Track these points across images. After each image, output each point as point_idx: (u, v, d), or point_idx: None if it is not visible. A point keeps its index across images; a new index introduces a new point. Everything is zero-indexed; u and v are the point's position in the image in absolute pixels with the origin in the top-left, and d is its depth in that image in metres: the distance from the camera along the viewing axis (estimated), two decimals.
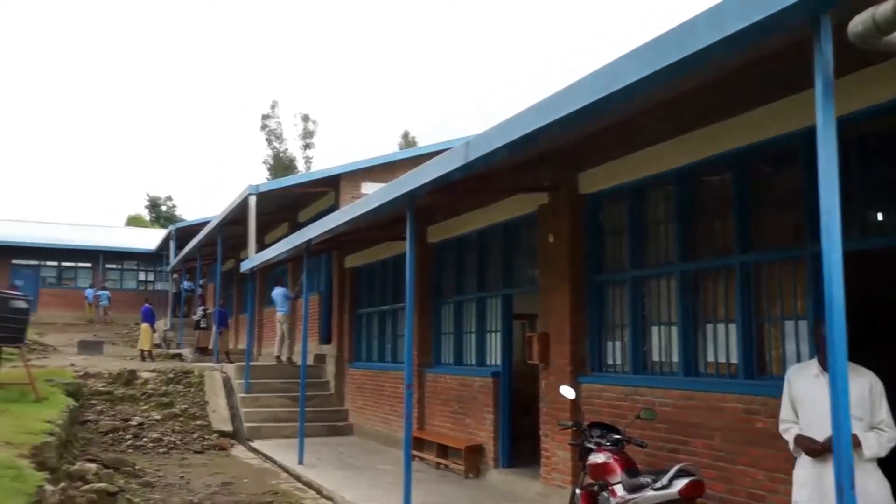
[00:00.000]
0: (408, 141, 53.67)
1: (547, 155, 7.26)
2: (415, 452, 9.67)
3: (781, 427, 4.35)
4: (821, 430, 3.86)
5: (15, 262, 34.70)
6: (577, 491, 5.92)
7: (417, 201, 7.16)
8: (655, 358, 6.87)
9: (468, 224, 10.15)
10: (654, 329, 6.89)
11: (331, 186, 15.65)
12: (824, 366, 3.97)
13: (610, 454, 5.55)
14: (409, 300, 7.27)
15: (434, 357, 11.19)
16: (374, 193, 7.94)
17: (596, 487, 5.65)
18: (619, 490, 5.29)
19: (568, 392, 6.54)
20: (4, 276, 33.22)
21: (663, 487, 4.89)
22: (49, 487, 6.23)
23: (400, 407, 11.04)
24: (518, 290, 9.40)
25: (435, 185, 6.43)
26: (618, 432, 5.76)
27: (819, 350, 4.15)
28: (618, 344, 7.36)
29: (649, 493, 4.99)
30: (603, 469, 5.53)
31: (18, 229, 36.22)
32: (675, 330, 6.55)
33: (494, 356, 9.74)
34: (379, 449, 11.90)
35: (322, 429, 13.34)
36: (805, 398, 4.18)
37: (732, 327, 5.96)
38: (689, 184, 6.53)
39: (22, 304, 10.38)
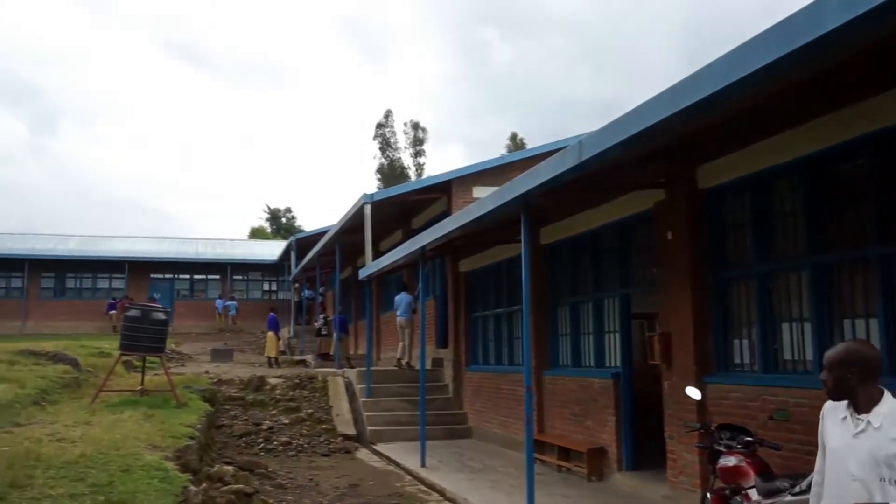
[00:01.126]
0: (516, 143, 53.59)
1: (663, 150, 7.06)
2: (536, 455, 9.63)
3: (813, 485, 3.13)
4: (839, 500, 2.81)
5: (153, 276, 37.11)
6: (708, 495, 5.72)
7: (531, 203, 7.14)
8: (787, 356, 6.54)
9: (582, 224, 10.02)
10: (785, 326, 6.56)
11: (443, 192, 15.85)
12: (858, 405, 2.81)
13: (742, 457, 5.32)
14: (526, 302, 7.25)
15: (551, 359, 11.11)
16: (487, 197, 7.97)
17: (728, 492, 5.43)
18: (754, 495, 5.07)
19: (694, 393, 6.34)
20: (144, 289, 35.59)
21: (802, 492, 4.63)
22: (192, 488, 6.63)
23: (518, 409, 11.02)
24: (636, 289, 9.20)
25: (548, 185, 6.39)
26: (749, 434, 5.52)
27: (848, 383, 2.83)
28: (745, 342, 7.05)
29: (787, 498, 4.75)
30: (735, 473, 5.32)
31: (156, 246, 38.76)
32: (808, 326, 6.22)
33: (613, 357, 9.56)
34: (498, 451, 11.91)
35: (442, 432, 13.49)
36: (828, 448, 2.94)
37: (874, 322, 5.60)
38: (818, 173, 6.19)
39: (161, 316, 11.10)
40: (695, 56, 71.19)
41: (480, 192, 14.56)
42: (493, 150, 62.24)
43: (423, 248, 10.71)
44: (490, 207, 7.66)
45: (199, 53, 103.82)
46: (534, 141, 48.53)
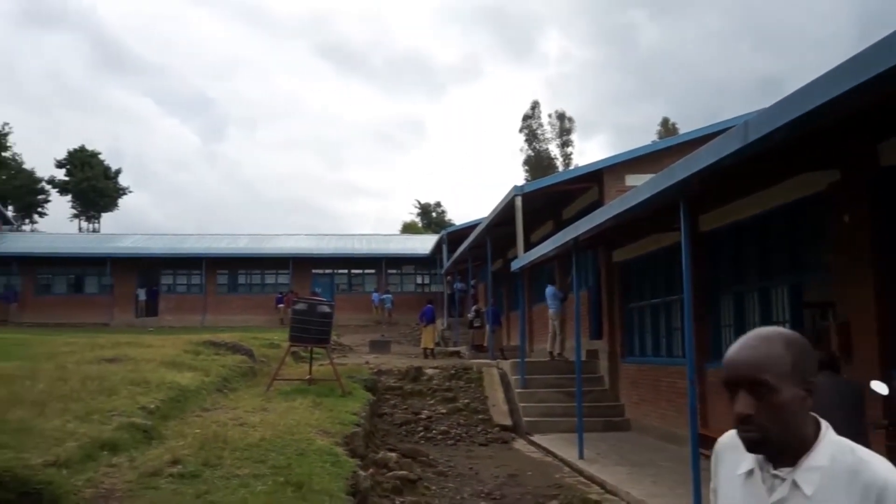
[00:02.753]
0: (668, 129, 51.72)
1: (838, 127, 6.58)
2: (700, 450, 9.28)
3: None
4: None
5: (315, 271, 39.14)
6: None
7: (690, 189, 6.89)
8: None
9: (745, 210, 9.53)
10: None
11: (594, 182, 15.59)
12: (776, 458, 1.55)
13: None
14: (687, 293, 7.01)
15: (713, 351, 10.66)
16: (643, 185, 7.78)
17: None
18: None
19: (880, 388, 5.87)
20: (306, 284, 37.61)
21: None
22: (361, 472, 6.95)
23: (679, 402, 10.68)
24: (807, 277, 8.63)
25: (710, 170, 6.13)
26: None
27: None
28: None
29: None
30: None
31: (316, 242, 40.84)
32: None
33: None
34: (658, 445, 11.60)
35: (598, 424, 13.31)
36: None
37: None
38: None
39: (327, 309, 11.69)
40: (869, 26, 65.54)
41: (633, 180, 14.18)
42: (644, 136, 60.57)
43: (575, 238, 10.60)
44: (646, 195, 7.47)
45: (351, 55, 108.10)
46: (686, 126, 46.69)
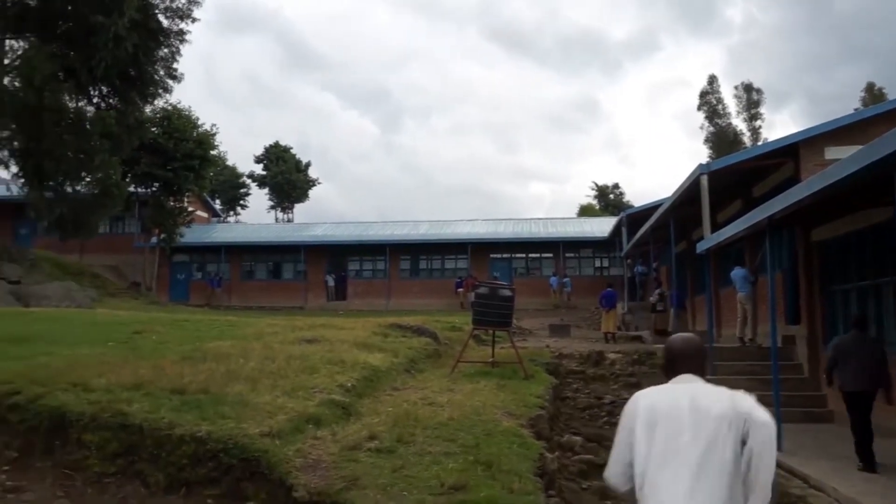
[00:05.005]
0: (874, 95, 47.03)
1: None
2: None
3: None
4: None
5: (492, 255, 39.72)
6: None
7: None
8: None
9: None
10: None
11: (788, 156, 14.52)
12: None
13: None
14: None
15: None
16: (849, 158, 7.14)
17: None
18: None
19: None
20: (484, 268, 38.26)
21: None
22: (548, 454, 7.00)
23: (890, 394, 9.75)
24: None
25: None
26: None
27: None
28: None
29: None
30: None
31: (494, 227, 41.42)
32: None
33: None
34: None
35: (797, 415, 12.45)
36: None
37: None
38: None
39: (508, 293, 11.83)
40: None
41: (834, 153, 13.05)
42: (843, 105, 55.49)
43: (769, 217, 9.95)
44: (853, 169, 6.86)
45: (521, 37, 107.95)
46: None
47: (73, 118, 27.81)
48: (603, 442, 9.79)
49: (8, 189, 31.80)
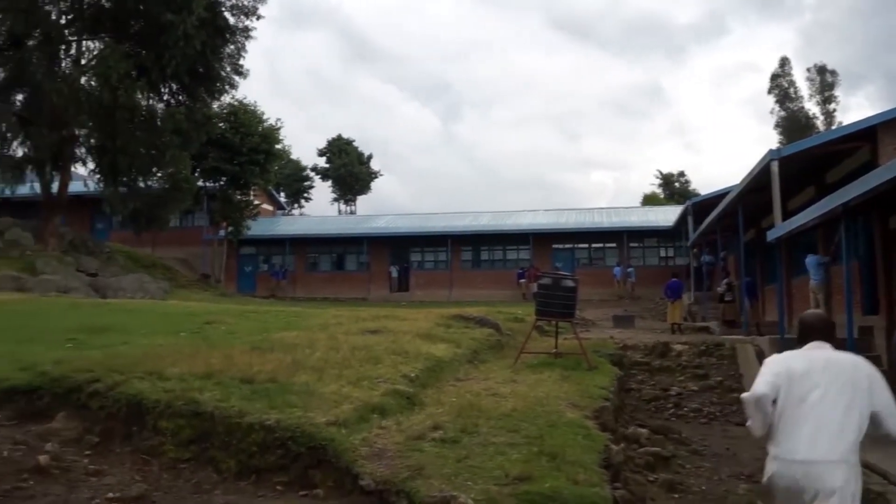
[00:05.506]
0: None
1: None
2: None
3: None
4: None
5: (554, 246, 39.43)
6: None
7: None
8: None
9: None
10: None
11: (865, 140, 13.96)
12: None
13: None
14: None
15: None
16: None
17: None
18: None
19: None
20: (546, 259, 38.02)
21: None
22: (613, 446, 6.92)
23: None
24: None
25: None
26: None
27: None
28: None
29: None
30: None
31: (556, 218, 41.11)
32: None
33: None
34: None
35: None
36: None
37: None
38: None
39: (571, 284, 11.72)
40: None
41: None
42: None
43: (844, 204, 9.62)
44: None
45: (583, 24, 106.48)
46: None
47: (145, 115, 28.74)
48: (669, 434, 9.64)
49: (85, 185, 33.10)
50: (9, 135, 28.20)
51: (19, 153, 28.98)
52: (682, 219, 30.02)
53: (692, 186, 61.52)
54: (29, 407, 6.49)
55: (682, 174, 64.63)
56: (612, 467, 6.29)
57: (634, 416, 11.24)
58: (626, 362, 14.60)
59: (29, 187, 29.61)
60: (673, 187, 63.18)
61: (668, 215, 37.40)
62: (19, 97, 29.16)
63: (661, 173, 65.21)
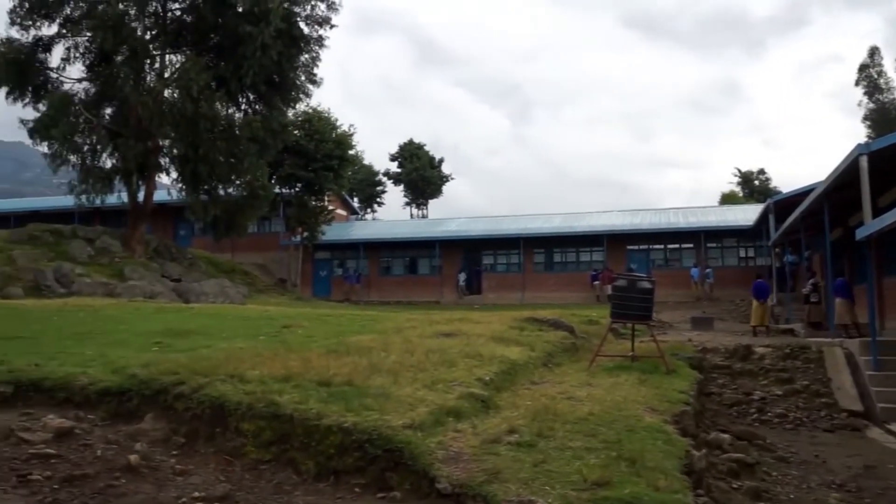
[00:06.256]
0: None
1: None
2: None
3: None
4: None
5: (629, 247, 38.75)
6: None
7: None
8: None
9: None
10: None
11: None
12: None
13: None
14: None
15: None
16: None
17: None
18: None
19: None
20: (621, 260, 37.39)
21: None
22: (695, 452, 6.73)
23: None
24: None
25: None
26: None
27: None
28: None
29: None
30: None
31: (630, 218, 40.39)
32: None
33: None
34: None
35: None
36: None
37: None
38: None
39: (648, 285, 11.48)
40: None
41: None
42: None
43: None
44: None
45: (657, 20, 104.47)
46: None
47: (224, 125, 29.69)
48: (753, 440, 9.33)
49: (169, 193, 34.38)
50: (99, 147, 29.59)
51: (108, 164, 30.37)
52: (763, 218, 29.03)
53: (773, 184, 59.54)
54: (119, 408, 6.76)
55: (761, 172, 62.62)
56: (694, 474, 6.12)
57: (716, 421, 10.92)
58: (706, 366, 14.21)
59: (117, 197, 30.94)
60: (752, 185, 61.24)
61: (747, 214, 36.25)
62: (108, 111, 30.56)
63: (739, 171, 63.38)
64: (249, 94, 30.55)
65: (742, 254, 37.99)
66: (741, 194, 60.45)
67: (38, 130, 28.16)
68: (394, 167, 65.18)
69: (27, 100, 29.32)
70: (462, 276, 40.34)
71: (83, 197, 29.53)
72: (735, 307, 28.45)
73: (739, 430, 10.04)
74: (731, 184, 64.46)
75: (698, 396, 11.07)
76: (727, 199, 58.75)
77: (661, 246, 39.02)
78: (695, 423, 8.75)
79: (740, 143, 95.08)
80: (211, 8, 28.37)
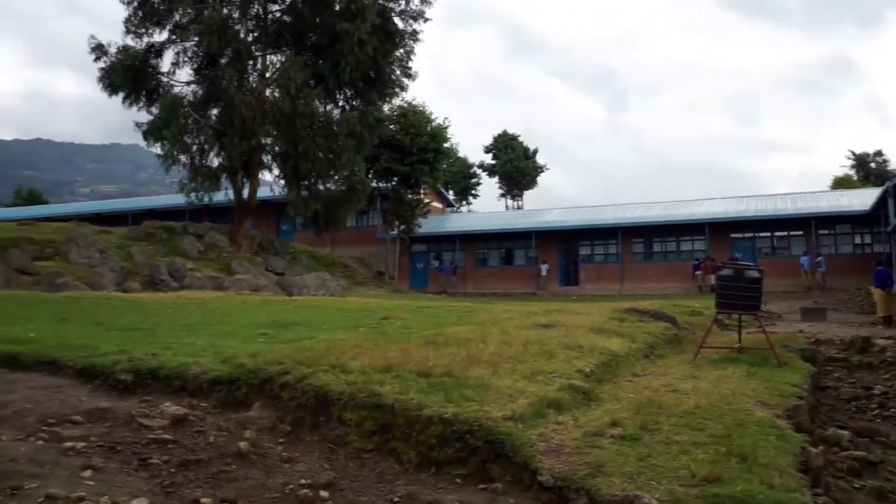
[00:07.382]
0: None
1: None
2: None
3: None
4: None
5: (733, 235, 37.31)
6: None
7: None
8: None
9: None
10: None
11: None
12: None
13: None
14: None
15: None
16: None
17: None
18: None
19: None
20: (724, 249, 36.06)
21: None
22: (811, 449, 6.39)
23: None
24: None
25: None
26: None
27: None
28: None
29: None
30: None
31: (734, 206, 38.89)
32: None
33: None
34: None
35: None
36: None
37: None
38: None
39: (755, 274, 10.99)
40: None
41: None
42: None
43: None
44: None
45: (760, 2, 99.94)
46: None
47: (322, 121, 30.45)
48: (876, 437, 8.76)
49: (271, 190, 35.56)
50: (206, 146, 30.93)
51: (215, 163, 31.71)
52: (882, 202, 27.37)
53: (891, 166, 55.99)
54: (229, 396, 7.02)
55: (878, 153, 58.99)
56: (811, 471, 5.81)
57: (832, 416, 10.34)
58: (820, 358, 13.49)
59: (224, 194, 32.28)
60: (868, 168, 57.83)
61: (863, 199, 34.22)
62: (214, 111, 31.90)
63: (853, 154, 59.93)
64: (346, 91, 31.19)
65: (857, 240, 35.95)
66: (856, 178, 57.16)
67: (151, 132, 29.69)
68: (488, 159, 65.25)
69: (141, 104, 31.02)
70: (545, 268, 39.89)
71: (193, 195, 30.92)
72: (850, 297, 26.95)
73: (859, 426, 9.46)
74: (843, 167, 61.14)
75: (812, 390, 10.52)
76: (840, 183, 55.67)
77: (768, 234, 37.40)
78: (809, 418, 8.31)
79: (854, 124, 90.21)
80: (309, 7, 29.13)
